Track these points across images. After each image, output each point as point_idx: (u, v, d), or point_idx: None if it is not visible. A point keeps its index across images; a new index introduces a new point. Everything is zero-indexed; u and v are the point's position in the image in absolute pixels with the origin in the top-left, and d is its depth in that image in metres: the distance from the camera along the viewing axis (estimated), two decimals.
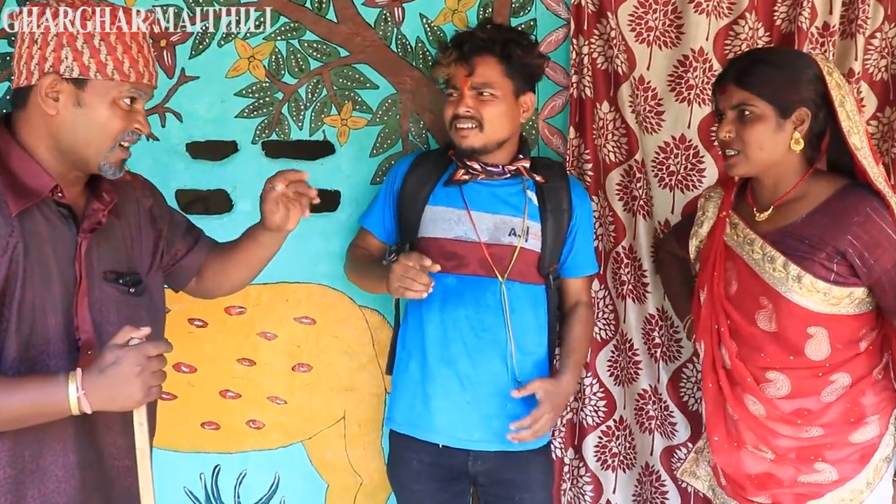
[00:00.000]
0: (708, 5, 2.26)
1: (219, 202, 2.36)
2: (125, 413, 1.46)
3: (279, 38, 2.29)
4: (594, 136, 2.28)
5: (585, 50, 2.24)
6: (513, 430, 1.93)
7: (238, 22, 2.26)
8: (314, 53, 2.30)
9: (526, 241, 2.03)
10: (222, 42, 2.27)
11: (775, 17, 2.28)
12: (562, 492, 2.40)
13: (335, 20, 2.30)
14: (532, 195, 2.07)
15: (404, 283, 1.82)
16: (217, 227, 2.30)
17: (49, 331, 1.45)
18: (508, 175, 2.06)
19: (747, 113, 1.74)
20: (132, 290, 1.57)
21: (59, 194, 1.48)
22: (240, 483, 2.36)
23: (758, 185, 1.85)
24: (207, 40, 2.27)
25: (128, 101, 1.49)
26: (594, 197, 2.29)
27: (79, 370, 1.37)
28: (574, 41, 2.26)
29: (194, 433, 2.33)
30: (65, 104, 1.46)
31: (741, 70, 1.76)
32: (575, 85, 2.28)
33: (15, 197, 1.42)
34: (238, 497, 2.37)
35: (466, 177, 2.05)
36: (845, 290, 1.70)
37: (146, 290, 1.63)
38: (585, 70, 2.25)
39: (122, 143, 1.51)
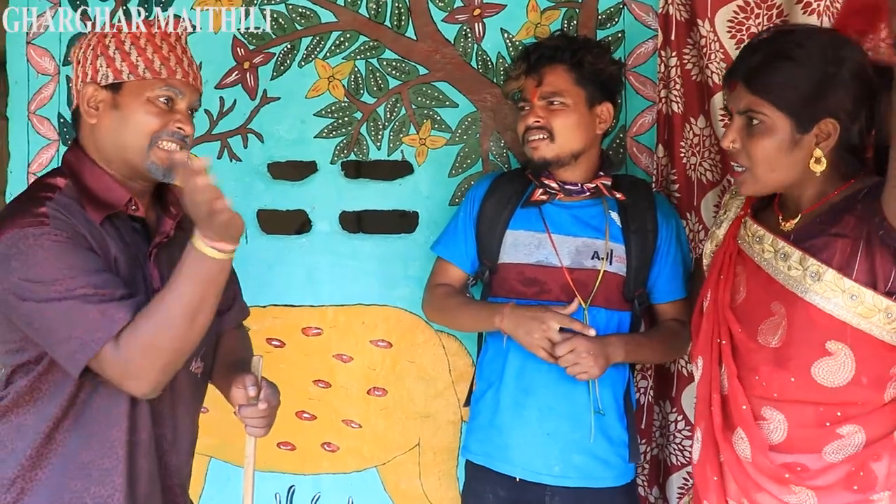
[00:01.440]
0: (819, 5, 2.03)
1: (298, 222, 2.37)
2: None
3: (358, 57, 2.28)
4: (682, 154, 2.11)
5: (674, 62, 2.09)
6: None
7: (318, 42, 2.27)
8: (393, 72, 2.27)
9: (610, 264, 1.92)
10: (303, 63, 2.29)
11: None
12: None
13: (414, 38, 2.26)
14: (615, 215, 1.95)
15: (548, 347, 1.79)
16: (296, 248, 2.33)
17: None
18: (588, 193, 1.95)
19: (755, 122, 1.46)
20: None
21: (134, 207, 1.51)
22: None
23: (786, 194, 1.55)
24: (288, 61, 2.29)
25: (163, 100, 1.48)
26: (683, 220, 2.11)
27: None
28: (661, 53, 2.11)
29: (270, 453, 2.33)
30: (104, 111, 1.49)
31: (754, 67, 1.46)
32: (663, 99, 2.12)
33: (93, 208, 1.46)
34: None
35: (545, 196, 1.95)
36: (880, 300, 1.37)
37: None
38: (673, 83, 2.09)
39: (163, 142, 1.48)
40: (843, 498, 1.43)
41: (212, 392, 1.76)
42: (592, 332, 1.79)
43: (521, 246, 1.97)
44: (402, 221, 2.34)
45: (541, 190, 1.96)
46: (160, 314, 1.36)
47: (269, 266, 2.32)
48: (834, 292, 1.40)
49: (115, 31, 1.50)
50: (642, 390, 2.15)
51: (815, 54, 1.43)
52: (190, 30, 1.56)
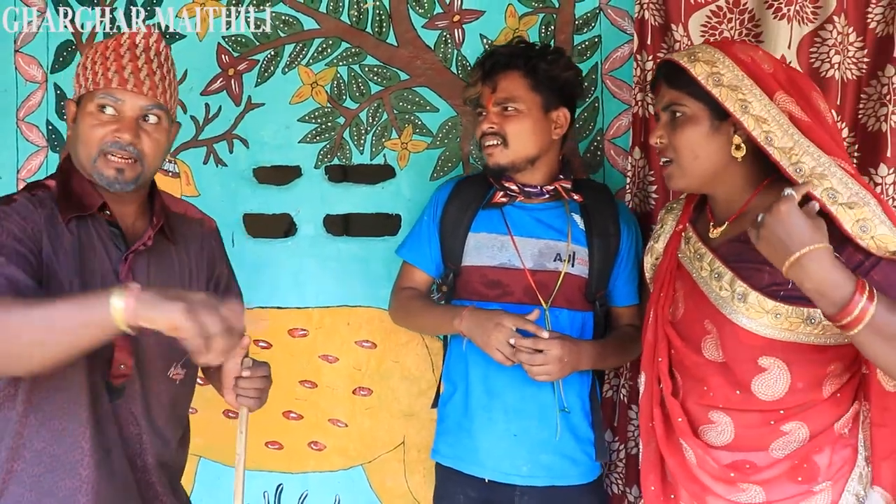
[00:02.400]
0: (789, 10, 2.08)
1: (283, 226, 2.41)
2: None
3: (341, 63, 2.32)
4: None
5: (649, 66, 2.13)
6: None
7: (301, 49, 2.31)
8: (375, 78, 2.31)
9: (572, 266, 1.95)
10: (286, 69, 2.33)
11: (869, 20, 2.07)
12: None
13: (395, 44, 2.30)
14: (578, 219, 1.98)
15: (503, 349, 1.80)
16: (281, 250, 2.37)
17: None
18: (547, 196, 1.98)
19: (678, 115, 1.52)
20: None
21: (107, 212, 1.55)
22: (301, 503, 2.39)
23: (712, 200, 1.60)
24: (272, 68, 2.33)
25: (101, 108, 1.50)
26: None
27: (132, 284, 1.30)
28: (637, 57, 2.15)
29: (259, 452, 2.38)
30: (74, 124, 1.56)
31: (672, 67, 1.54)
32: (639, 102, 2.16)
33: (64, 208, 1.51)
34: None
35: (504, 199, 1.98)
36: (801, 310, 1.41)
37: None
38: (648, 87, 2.13)
39: (108, 153, 1.50)
40: (789, 489, 1.48)
41: (199, 393, 1.82)
42: (545, 335, 1.80)
43: (483, 248, 1.99)
44: (385, 224, 2.38)
45: (501, 192, 1.98)
46: (16, 315, 1.28)
47: (256, 269, 2.37)
48: (759, 313, 1.44)
49: (95, 46, 1.55)
50: (614, 388, 2.20)
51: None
52: (158, 38, 1.57)
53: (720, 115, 1.49)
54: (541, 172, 1.98)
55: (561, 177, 2.00)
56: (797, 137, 1.45)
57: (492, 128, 1.93)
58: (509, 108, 1.92)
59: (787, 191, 1.32)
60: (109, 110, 1.51)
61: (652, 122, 2.16)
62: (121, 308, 1.25)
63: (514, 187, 1.97)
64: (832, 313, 1.30)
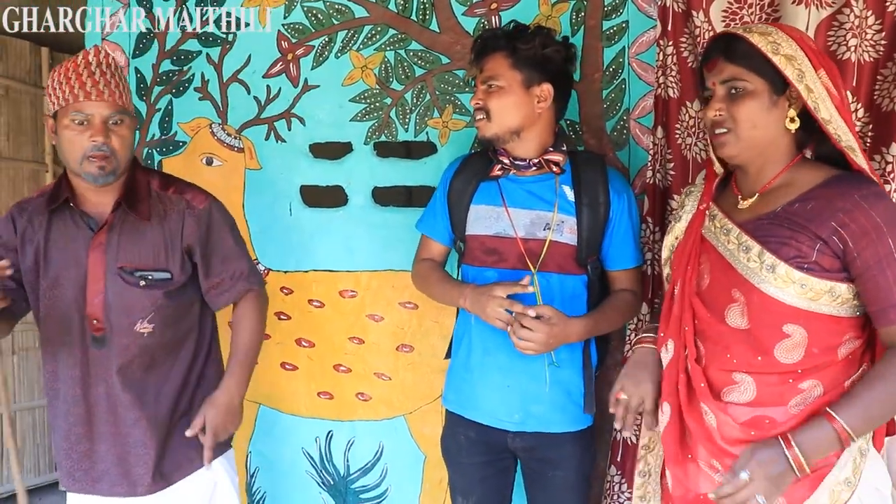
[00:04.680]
0: None
1: (336, 196, 2.64)
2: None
3: (388, 48, 2.52)
4: (677, 136, 2.29)
5: (670, 50, 2.26)
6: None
7: (352, 35, 2.53)
8: (419, 62, 2.51)
9: (561, 234, 2.09)
10: (339, 54, 2.55)
11: (888, 3, 2.14)
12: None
13: (437, 30, 2.49)
14: (568, 190, 2.11)
15: (501, 316, 1.99)
16: (334, 219, 2.60)
17: (67, 301, 1.97)
18: (535, 168, 2.12)
19: (738, 89, 1.62)
20: (142, 283, 1.98)
21: (71, 204, 1.97)
22: (349, 448, 2.63)
23: (741, 175, 1.72)
24: (326, 53, 2.55)
25: (77, 122, 1.88)
26: (676, 195, 2.29)
27: None
28: (660, 42, 2.28)
29: (312, 401, 2.64)
30: (53, 135, 1.95)
31: (730, 42, 1.63)
32: (661, 85, 2.30)
33: (47, 203, 2.00)
34: (347, 461, 2.64)
35: (500, 172, 2.14)
36: (824, 283, 1.54)
37: (173, 285, 2.02)
38: (669, 70, 2.27)
39: (90, 155, 1.89)
40: None
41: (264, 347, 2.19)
42: (532, 313, 1.94)
43: (482, 219, 2.16)
44: (427, 196, 2.58)
45: (498, 166, 2.14)
46: None
47: (311, 235, 2.61)
48: (786, 283, 1.56)
49: (62, 66, 1.91)
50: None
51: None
52: (106, 54, 1.96)
53: (778, 89, 1.60)
54: (531, 144, 2.11)
55: (551, 149, 2.13)
56: (833, 112, 1.59)
57: (478, 103, 2.09)
58: (492, 86, 2.07)
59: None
60: (81, 120, 1.88)
61: (672, 102, 2.30)
62: None
63: (506, 161, 2.12)
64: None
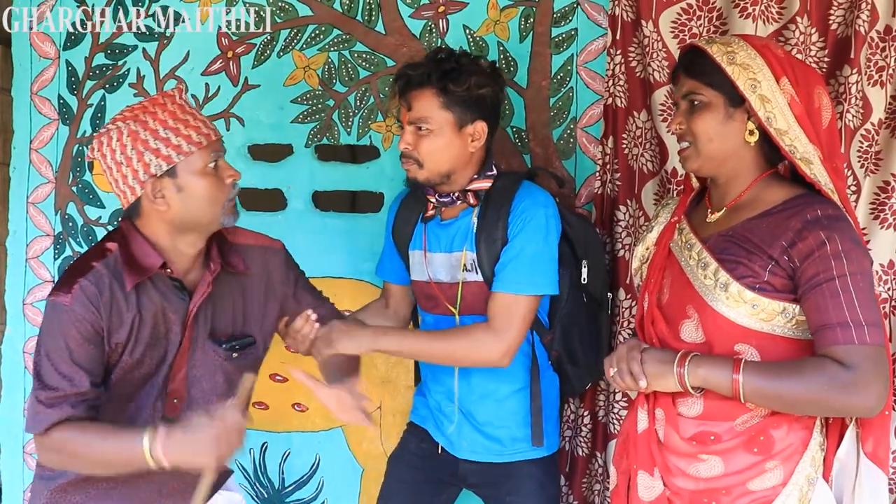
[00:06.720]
0: (755, 9, 2.19)
1: (275, 200, 2.56)
2: None
3: (332, 49, 2.46)
4: (624, 146, 2.27)
5: (619, 59, 2.25)
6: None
7: (295, 35, 2.45)
8: (363, 63, 2.45)
9: (476, 273, 2.01)
10: (281, 53, 2.47)
11: (830, 21, 2.17)
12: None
13: (383, 32, 2.43)
14: (475, 222, 2.02)
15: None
16: (273, 223, 2.51)
17: (145, 379, 1.72)
18: (459, 203, 2.03)
19: (697, 102, 1.63)
20: (235, 354, 1.79)
21: (168, 270, 1.71)
22: (284, 461, 2.55)
23: (713, 188, 1.71)
24: (268, 52, 2.48)
25: (212, 164, 1.67)
26: (622, 206, 2.27)
27: (160, 428, 1.58)
28: (609, 50, 2.27)
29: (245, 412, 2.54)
30: (171, 196, 1.66)
31: (691, 58, 1.65)
32: (611, 94, 2.28)
33: (130, 274, 1.67)
34: (282, 473, 2.56)
35: (432, 212, 2.07)
36: (777, 304, 1.53)
37: (255, 349, 1.85)
38: (617, 79, 2.25)
39: (229, 199, 1.71)
40: (744, 460, 1.57)
41: None
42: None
43: (416, 265, 2.12)
44: (368, 201, 2.52)
45: (430, 205, 2.06)
46: (83, 446, 1.62)
47: None
48: (738, 302, 1.55)
49: (141, 121, 1.64)
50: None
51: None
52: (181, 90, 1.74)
53: (734, 102, 1.59)
54: (458, 183, 2.02)
55: (476, 176, 2.01)
56: (791, 122, 1.58)
57: (407, 148, 1.97)
58: (422, 128, 1.95)
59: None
60: (215, 164, 1.67)
61: (620, 112, 2.28)
62: (150, 455, 1.57)
63: (432, 200, 2.05)
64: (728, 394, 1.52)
